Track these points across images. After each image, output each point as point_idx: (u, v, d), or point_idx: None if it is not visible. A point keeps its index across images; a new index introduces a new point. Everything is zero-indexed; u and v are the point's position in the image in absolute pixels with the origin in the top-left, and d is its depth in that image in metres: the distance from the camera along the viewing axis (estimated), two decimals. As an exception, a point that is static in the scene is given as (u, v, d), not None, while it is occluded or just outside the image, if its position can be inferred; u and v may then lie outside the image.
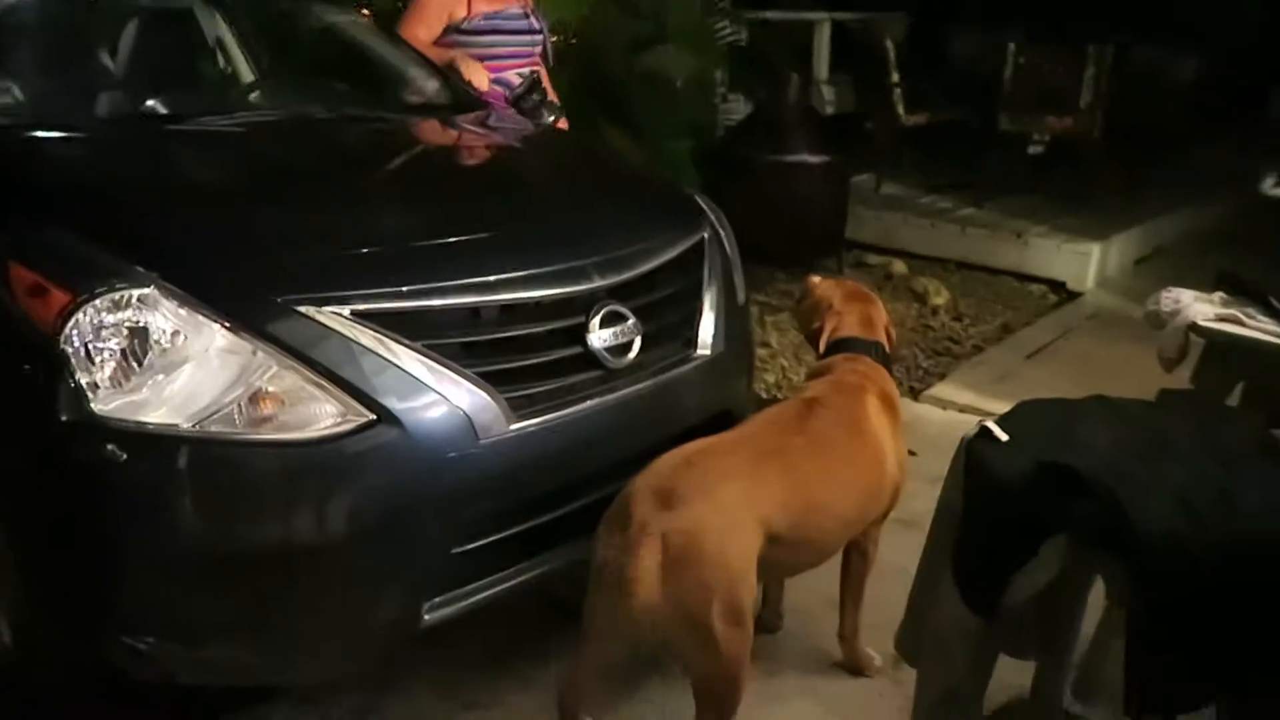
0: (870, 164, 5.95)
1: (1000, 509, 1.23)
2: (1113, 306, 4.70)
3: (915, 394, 3.71)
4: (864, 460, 2.01)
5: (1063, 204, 5.55)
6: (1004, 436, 1.31)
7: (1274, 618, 1.10)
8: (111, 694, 1.88)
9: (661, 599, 1.67)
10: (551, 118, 3.29)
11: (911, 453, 3.17)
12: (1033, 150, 5.73)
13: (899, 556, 2.53)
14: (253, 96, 3.09)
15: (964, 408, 3.54)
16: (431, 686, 2.08)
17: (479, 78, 3.24)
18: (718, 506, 1.73)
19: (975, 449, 1.31)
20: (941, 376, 3.88)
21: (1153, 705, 1.13)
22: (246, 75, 3.33)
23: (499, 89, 3.32)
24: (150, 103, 2.53)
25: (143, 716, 1.93)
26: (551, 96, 3.50)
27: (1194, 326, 1.99)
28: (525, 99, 3.28)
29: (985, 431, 1.33)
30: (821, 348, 2.25)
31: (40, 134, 2.24)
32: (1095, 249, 5.01)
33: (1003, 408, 1.60)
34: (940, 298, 4.72)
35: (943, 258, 5.28)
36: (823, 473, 1.93)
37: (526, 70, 3.43)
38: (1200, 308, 2.01)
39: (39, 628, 1.81)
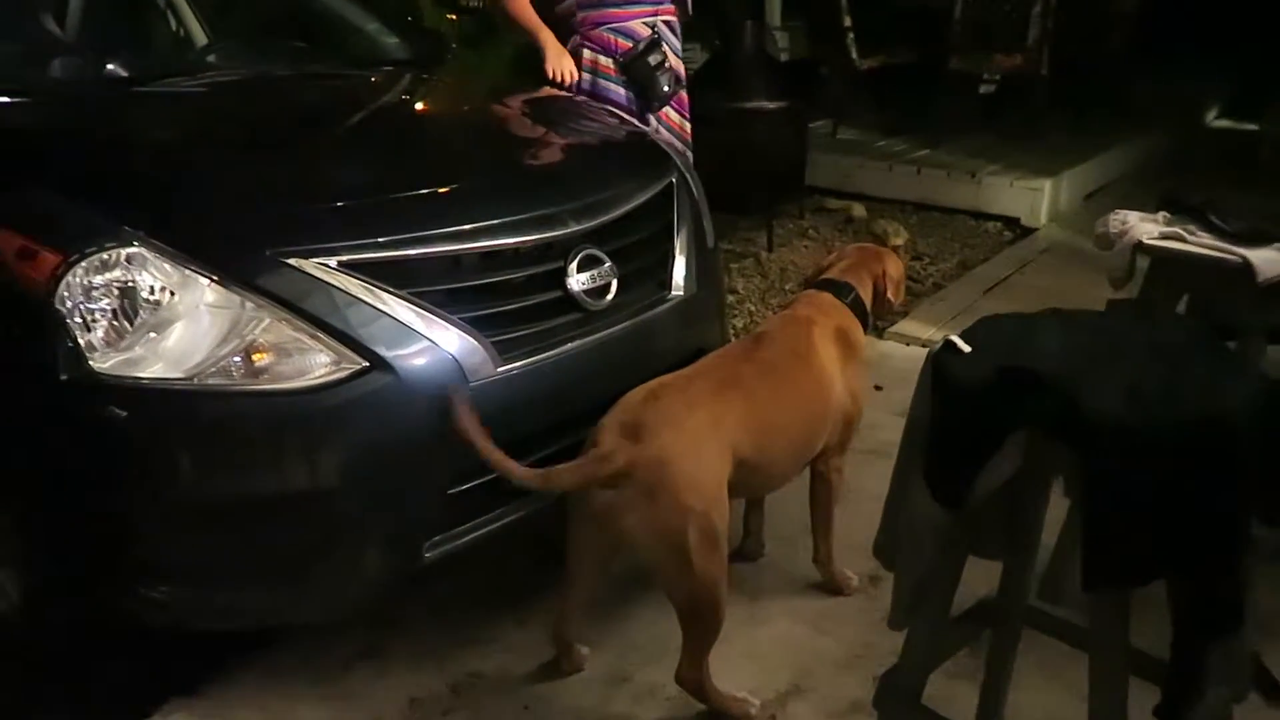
0: (826, 109, 6.01)
1: (964, 410, 1.33)
2: (1065, 240, 4.84)
3: (880, 331, 3.82)
4: (809, 387, 2.11)
5: (1014, 142, 5.67)
6: (966, 348, 1.40)
7: (1212, 498, 1.21)
8: (115, 645, 1.95)
9: (638, 528, 1.76)
10: (667, 89, 3.07)
11: (877, 387, 3.31)
12: (984, 90, 5.82)
13: (870, 483, 2.64)
14: (211, 58, 3.07)
15: (926, 342, 3.66)
16: (433, 624, 2.16)
17: (559, 63, 3.05)
18: (685, 433, 1.81)
19: (940, 360, 1.41)
20: (904, 314, 3.99)
21: (1106, 579, 1.25)
22: (200, 37, 3.30)
23: (624, 42, 3.09)
24: (111, 66, 2.52)
25: (145, 665, 1.99)
26: (675, 64, 3.16)
27: (1140, 245, 2.10)
28: (638, 64, 3.02)
29: (949, 345, 1.43)
30: (803, 287, 2.34)
31: (8, 98, 2.24)
32: (1047, 185, 5.14)
33: (964, 341, 1.70)
34: (899, 238, 4.81)
35: (900, 199, 5.38)
36: (774, 397, 2.03)
37: (657, 20, 3.14)
38: (1146, 227, 2.12)
39: (48, 583, 1.86)
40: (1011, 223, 5.14)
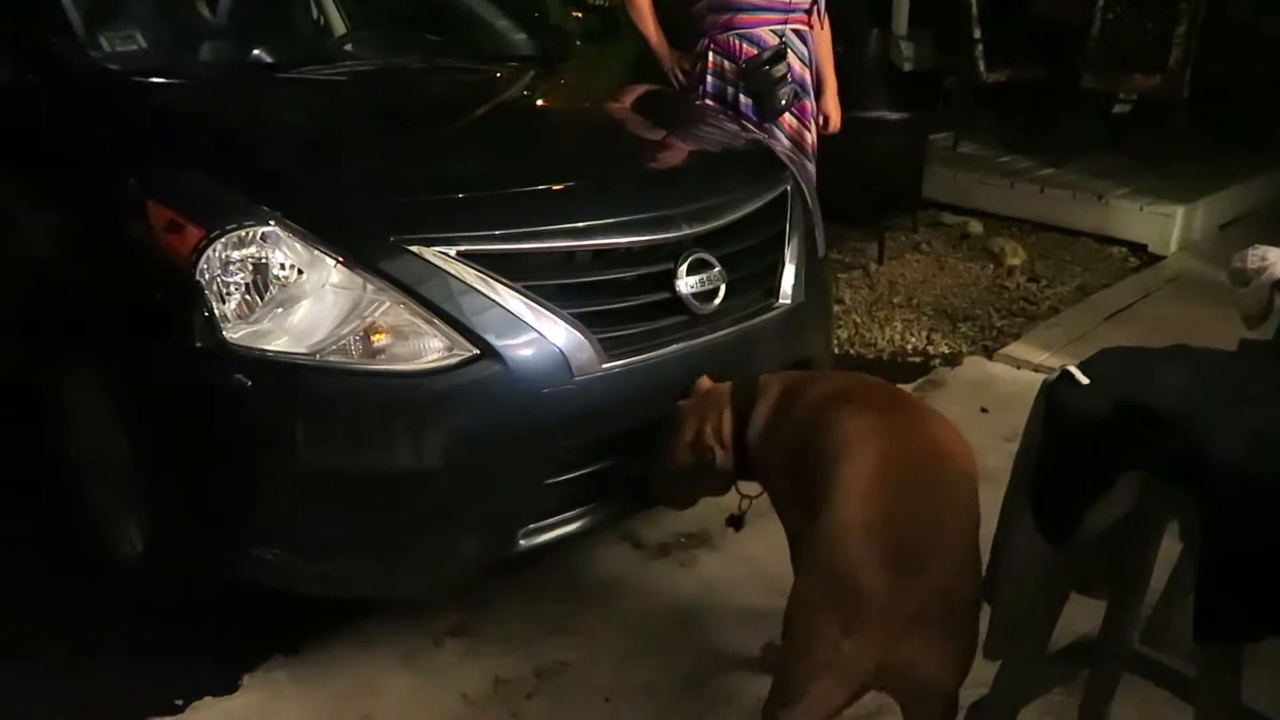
0: (949, 122, 5.88)
1: (1078, 445, 1.28)
2: (1196, 271, 4.62)
3: (989, 352, 3.73)
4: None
5: (1147, 165, 5.43)
6: (1085, 380, 1.36)
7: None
8: (230, 601, 2.05)
9: (933, 674, 1.40)
10: (784, 102, 3.06)
11: (983, 409, 3.24)
12: (1118, 110, 5.59)
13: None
14: (349, 47, 3.20)
15: (1038, 367, 3.54)
16: (522, 611, 2.21)
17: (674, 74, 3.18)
18: (961, 547, 1.40)
19: (1056, 390, 1.37)
20: (1016, 336, 3.88)
21: (1219, 632, 1.19)
22: (339, 27, 3.45)
23: (750, 49, 3.08)
24: (256, 52, 2.65)
25: (254, 622, 2.09)
26: (800, 72, 3.13)
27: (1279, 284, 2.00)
28: (759, 73, 3.01)
29: (1066, 375, 1.39)
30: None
31: (164, 80, 2.39)
32: (1179, 212, 4.91)
33: (1079, 367, 1.63)
34: (1016, 258, 4.68)
35: (1020, 218, 5.22)
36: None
37: (786, 29, 3.11)
38: (1287, 265, 2.02)
39: (170, 537, 1.97)
40: (1138, 249, 4.92)
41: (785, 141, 3.21)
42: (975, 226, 5.09)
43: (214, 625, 2.09)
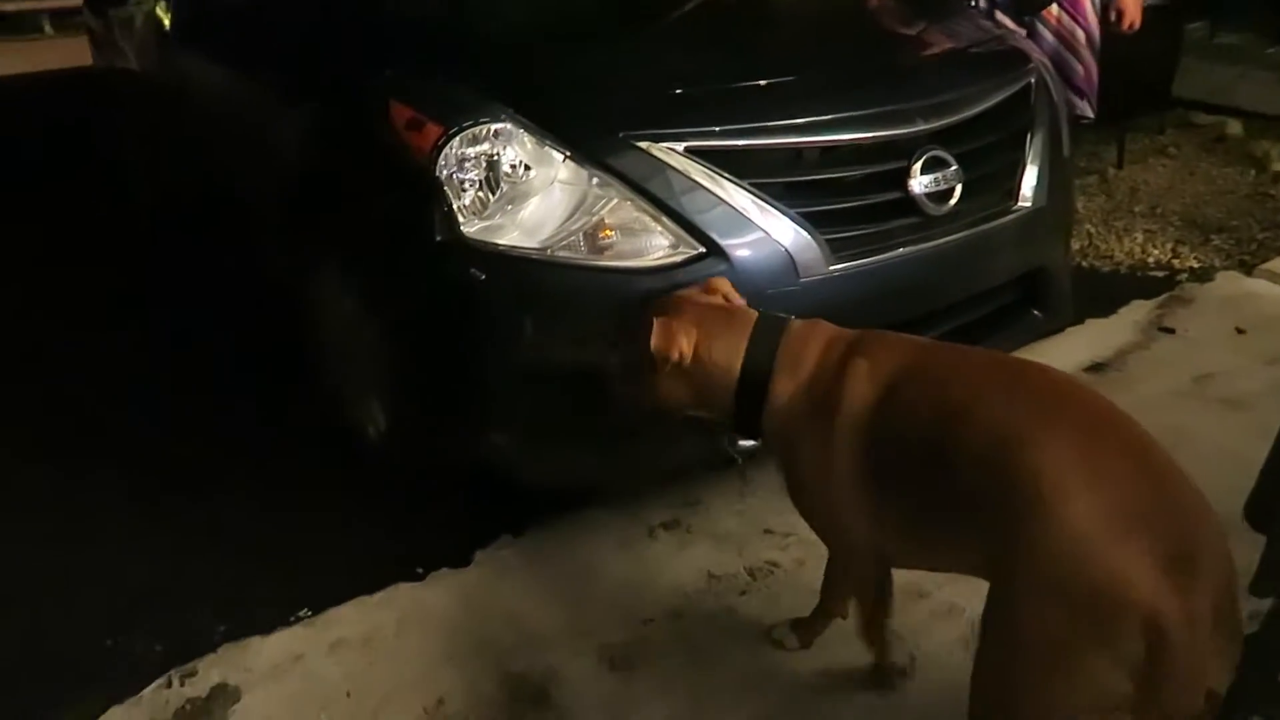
0: (1204, 8, 5.23)
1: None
2: None
3: (1247, 268, 3.36)
4: None
5: None
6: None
7: None
8: (463, 481, 2.17)
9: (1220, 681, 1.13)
10: None
11: (1239, 330, 2.94)
12: None
13: (1219, 434, 2.39)
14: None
15: (1307, 284, 3.17)
16: (732, 511, 2.22)
17: None
18: (1213, 520, 1.16)
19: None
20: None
21: None
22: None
23: None
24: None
25: (484, 503, 2.21)
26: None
27: None
28: None
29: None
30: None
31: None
32: None
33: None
34: (1282, 164, 4.18)
35: (1288, 118, 4.63)
36: None
37: None
38: None
39: (411, 421, 2.10)
40: None
41: (1049, 37, 2.97)
42: (1234, 127, 4.56)
43: (449, 504, 2.23)
